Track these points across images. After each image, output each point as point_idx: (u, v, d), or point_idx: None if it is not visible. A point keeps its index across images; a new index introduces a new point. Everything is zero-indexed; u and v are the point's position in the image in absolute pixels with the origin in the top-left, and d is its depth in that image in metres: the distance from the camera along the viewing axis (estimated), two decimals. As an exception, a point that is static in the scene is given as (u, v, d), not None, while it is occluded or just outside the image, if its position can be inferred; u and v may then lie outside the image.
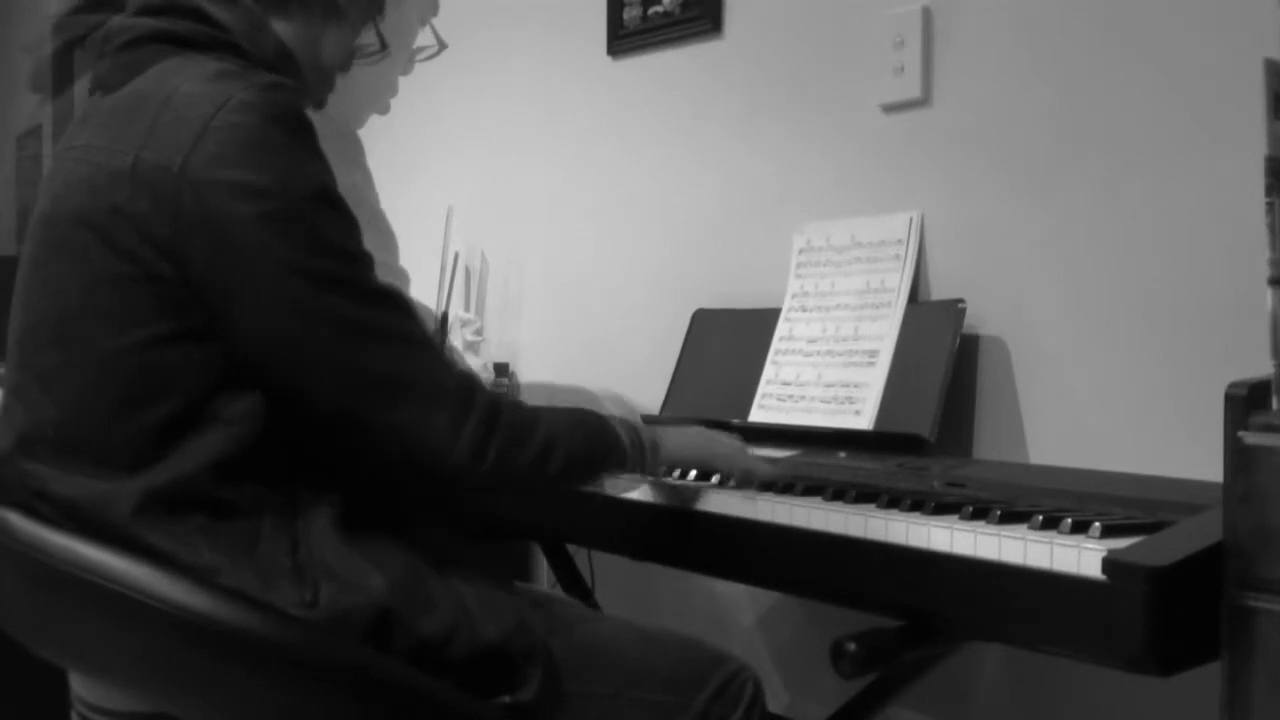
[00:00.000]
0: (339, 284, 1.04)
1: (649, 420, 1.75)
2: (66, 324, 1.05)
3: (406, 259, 1.65)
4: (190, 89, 1.04)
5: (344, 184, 1.09)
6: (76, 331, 1.04)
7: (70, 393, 1.04)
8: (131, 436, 1.02)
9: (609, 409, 1.26)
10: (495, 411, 1.08)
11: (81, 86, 1.18)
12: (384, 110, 1.58)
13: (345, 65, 1.26)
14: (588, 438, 1.16)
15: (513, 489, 1.15)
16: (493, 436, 1.06)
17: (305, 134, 1.05)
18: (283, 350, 1.03)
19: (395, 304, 1.07)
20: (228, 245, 1.00)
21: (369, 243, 1.10)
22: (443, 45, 1.47)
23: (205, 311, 1.02)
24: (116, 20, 1.13)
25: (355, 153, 1.61)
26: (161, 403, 1.02)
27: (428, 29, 1.49)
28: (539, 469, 1.10)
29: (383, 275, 1.10)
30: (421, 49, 1.49)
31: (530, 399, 1.17)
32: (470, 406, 1.06)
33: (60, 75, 1.42)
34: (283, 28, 1.17)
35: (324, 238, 1.04)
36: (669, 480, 1.36)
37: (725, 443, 1.33)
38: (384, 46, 1.28)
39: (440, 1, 1.51)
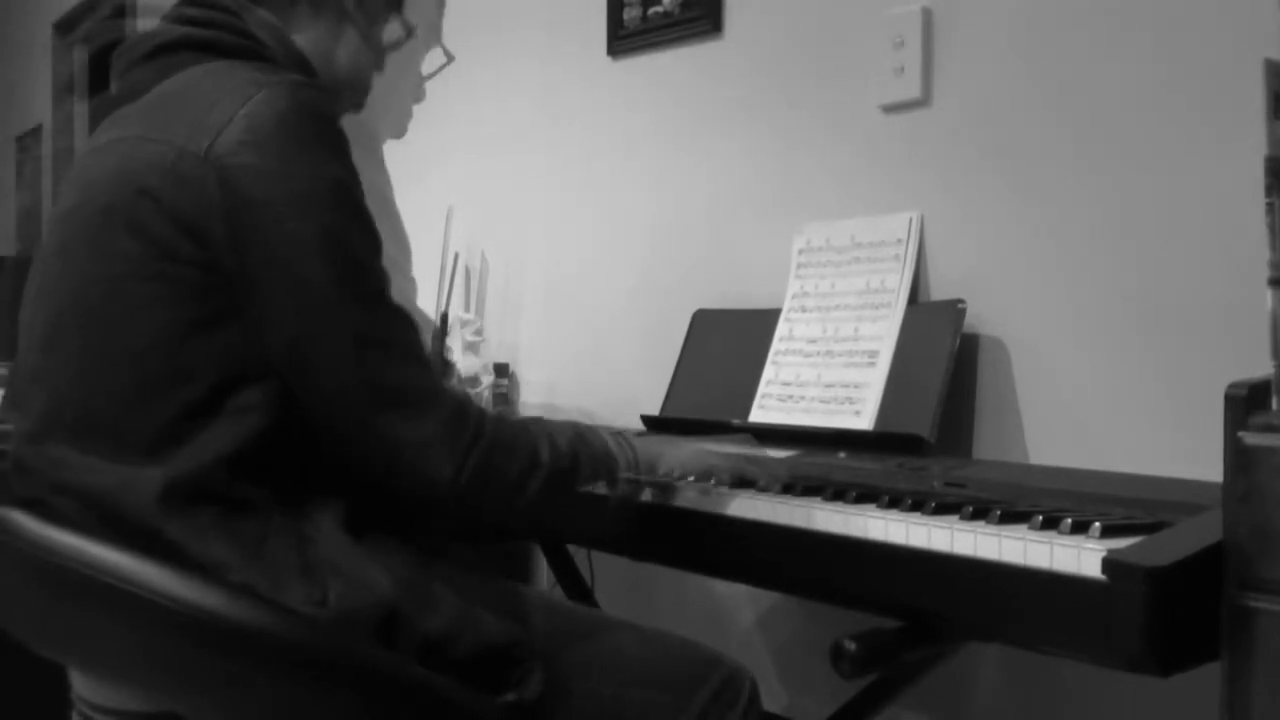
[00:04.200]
0: (357, 271, 1.05)
1: (650, 422, 1.76)
2: (91, 309, 1.06)
3: (406, 259, 1.66)
4: (223, 86, 1.06)
5: (369, 184, 1.10)
6: (101, 317, 1.05)
7: (92, 377, 1.05)
8: (152, 422, 1.03)
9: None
10: (480, 426, 1.08)
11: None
12: (400, 134, 1.59)
13: (379, 63, 1.29)
14: (576, 455, 1.15)
15: (494, 506, 1.12)
16: (475, 449, 1.06)
17: (330, 131, 1.07)
18: (293, 334, 1.04)
19: (401, 313, 1.09)
20: (249, 226, 1.02)
21: (387, 248, 1.10)
22: (450, 58, 1.49)
23: (229, 296, 1.03)
24: (148, 27, 1.15)
25: (379, 154, 1.63)
26: (183, 389, 1.03)
27: (434, 50, 1.50)
28: (520, 486, 1.10)
29: (395, 280, 1.11)
30: (430, 74, 1.51)
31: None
32: (460, 422, 1.06)
33: (95, 79, 1.45)
34: (300, 39, 1.20)
35: (343, 224, 1.05)
36: (668, 481, 1.36)
37: (723, 454, 1.32)
38: (410, 33, 1.30)
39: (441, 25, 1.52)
